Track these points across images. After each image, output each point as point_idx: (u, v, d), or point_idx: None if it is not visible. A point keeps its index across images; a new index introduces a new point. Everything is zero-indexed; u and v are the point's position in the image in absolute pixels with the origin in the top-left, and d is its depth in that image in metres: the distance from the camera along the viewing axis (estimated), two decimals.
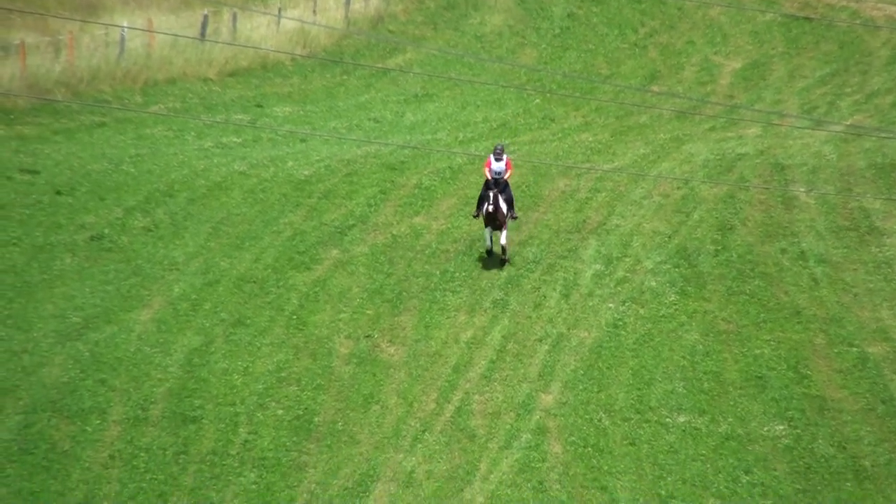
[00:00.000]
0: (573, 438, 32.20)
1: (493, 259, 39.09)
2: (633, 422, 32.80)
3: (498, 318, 36.90)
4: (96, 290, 37.46)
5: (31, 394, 32.77)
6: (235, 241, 40.66)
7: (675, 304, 37.72)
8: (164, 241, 40.42)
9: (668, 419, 32.91)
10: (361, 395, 33.56)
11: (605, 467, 31.23)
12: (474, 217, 38.78)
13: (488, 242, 38.70)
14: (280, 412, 32.83)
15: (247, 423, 32.36)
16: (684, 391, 33.94)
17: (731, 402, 33.55)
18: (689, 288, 38.56)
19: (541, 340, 35.94)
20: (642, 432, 32.46)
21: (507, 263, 38.54)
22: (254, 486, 30.30)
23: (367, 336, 36.03)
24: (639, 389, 33.97)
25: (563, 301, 37.76)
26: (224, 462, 31.00)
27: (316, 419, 32.69)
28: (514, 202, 38.79)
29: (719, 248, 40.77)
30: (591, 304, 37.65)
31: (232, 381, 33.84)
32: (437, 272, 39.06)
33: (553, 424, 32.65)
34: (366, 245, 40.71)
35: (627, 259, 40.15)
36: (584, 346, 35.67)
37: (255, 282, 38.43)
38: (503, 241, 38.27)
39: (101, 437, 31.53)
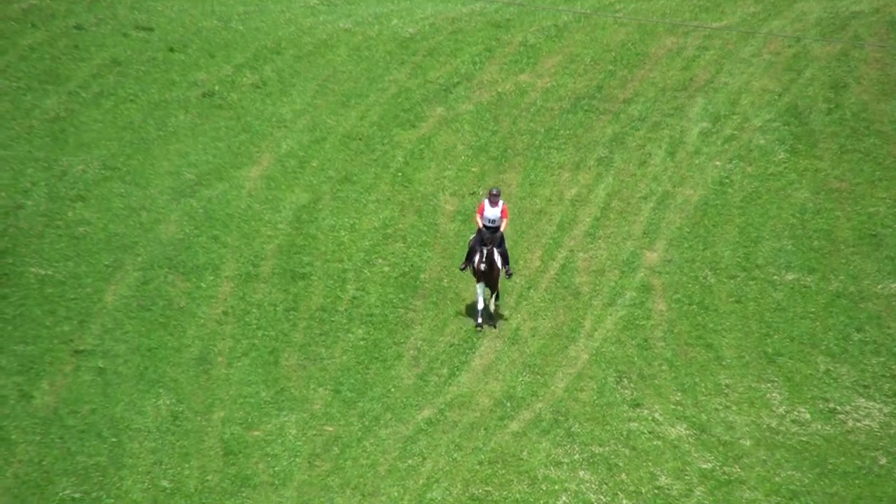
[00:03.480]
0: (678, 296, 32.24)
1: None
2: (739, 279, 32.76)
3: (602, 175, 36.82)
4: (208, 147, 37.88)
5: (149, 250, 33.38)
6: (341, 99, 40.78)
7: (785, 162, 37.37)
8: (272, 99, 40.65)
9: (775, 277, 32.83)
10: (467, 253, 33.78)
11: (711, 325, 31.28)
12: (461, 270, 31.74)
13: (481, 301, 31.14)
14: (386, 269, 33.18)
15: (354, 280, 32.76)
16: (793, 249, 33.78)
17: (843, 260, 33.36)
18: (800, 146, 38.16)
19: (646, 198, 35.85)
20: (749, 290, 32.42)
21: (494, 328, 31.12)
22: (362, 343, 30.74)
23: (473, 193, 36.15)
24: (745, 247, 33.86)
25: (668, 159, 37.57)
26: (333, 318, 31.45)
27: (422, 276, 33.00)
28: (509, 257, 31.70)
29: (832, 106, 40.19)
30: (697, 161, 37.43)
31: (339, 238, 34.20)
32: (542, 130, 38.96)
33: (658, 282, 32.70)
34: (471, 103, 40.64)
35: (735, 117, 39.75)
36: (689, 204, 35.54)
37: (360, 139, 38.60)
38: (492, 305, 31.48)
39: (215, 294, 32.11)
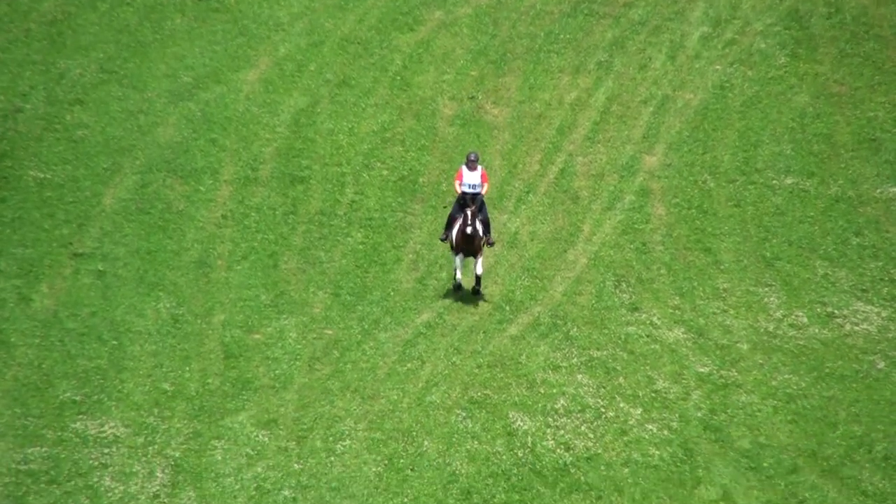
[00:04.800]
0: (677, 200, 32.27)
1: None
2: (738, 183, 32.77)
3: (602, 79, 36.69)
4: (205, 50, 37.66)
5: (147, 154, 33.34)
6: (339, 2, 40.49)
7: (785, 67, 37.22)
8: (269, 2, 40.35)
9: (774, 181, 32.83)
10: (466, 156, 33.75)
11: (709, 229, 31.33)
12: (442, 241, 29.52)
13: (458, 273, 29.23)
14: (385, 172, 33.17)
15: (353, 184, 32.76)
16: (793, 153, 33.76)
17: (842, 165, 33.35)
18: (801, 50, 37.97)
19: (645, 102, 35.77)
20: (748, 194, 32.44)
21: (481, 298, 29.05)
22: (361, 247, 30.80)
23: (471, 97, 36.05)
24: (745, 151, 33.83)
25: (668, 63, 37.41)
26: (332, 222, 31.49)
27: (421, 180, 33.00)
28: (491, 225, 29.59)
29: (832, 10, 39.95)
30: (697, 65, 37.27)
31: (338, 142, 34.15)
32: (542, 33, 38.74)
33: (657, 186, 32.71)
34: (469, 6, 40.36)
35: (736, 21, 39.51)
36: (689, 108, 35.46)
37: (358, 43, 38.38)
38: (478, 269, 28.90)
39: (214, 197, 32.12)
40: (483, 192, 28.78)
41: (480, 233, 28.51)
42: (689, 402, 25.56)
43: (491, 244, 28.99)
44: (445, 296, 29.21)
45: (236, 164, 33.23)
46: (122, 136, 33.82)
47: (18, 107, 34.69)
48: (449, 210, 29.80)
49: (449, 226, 28.93)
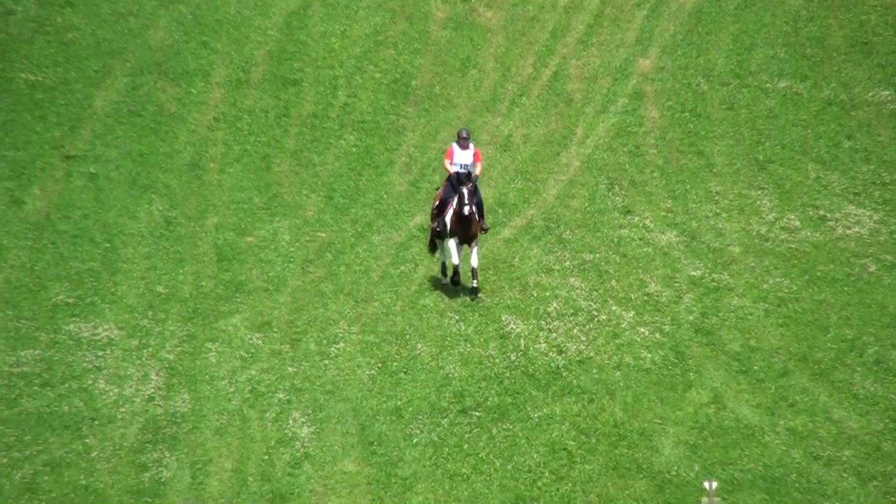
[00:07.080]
0: (670, 103, 32.19)
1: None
2: (732, 87, 32.68)
3: None
4: None
5: (138, 56, 33.14)
6: None
7: None
8: None
9: (768, 84, 32.74)
10: (458, 59, 33.60)
11: (703, 132, 31.30)
12: (434, 229, 26.26)
13: (455, 257, 25.88)
14: (378, 75, 33.03)
15: (345, 86, 32.64)
16: (786, 56, 33.64)
17: (835, 68, 33.24)
18: None
19: (639, 5, 35.54)
20: (741, 97, 32.36)
21: (478, 297, 25.77)
22: (353, 149, 30.76)
23: (464, 0, 35.87)
24: (739, 54, 33.70)
25: None
26: (324, 125, 31.42)
27: (413, 83, 32.87)
28: (485, 208, 26.77)
29: None
30: None
31: (330, 44, 33.95)
32: None
33: (650, 89, 32.61)
34: None
35: None
36: (683, 11, 35.25)
37: None
38: (474, 261, 25.82)
39: (206, 100, 31.99)
40: (476, 172, 25.87)
41: (476, 215, 25.66)
42: (680, 305, 25.64)
43: (485, 230, 26.12)
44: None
45: (228, 67, 33.07)
46: (112, 39, 33.60)
47: (9, 9, 34.42)
48: (436, 192, 26.93)
49: (440, 211, 26.00)
